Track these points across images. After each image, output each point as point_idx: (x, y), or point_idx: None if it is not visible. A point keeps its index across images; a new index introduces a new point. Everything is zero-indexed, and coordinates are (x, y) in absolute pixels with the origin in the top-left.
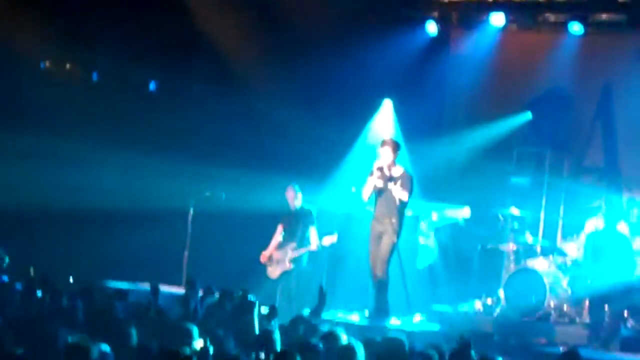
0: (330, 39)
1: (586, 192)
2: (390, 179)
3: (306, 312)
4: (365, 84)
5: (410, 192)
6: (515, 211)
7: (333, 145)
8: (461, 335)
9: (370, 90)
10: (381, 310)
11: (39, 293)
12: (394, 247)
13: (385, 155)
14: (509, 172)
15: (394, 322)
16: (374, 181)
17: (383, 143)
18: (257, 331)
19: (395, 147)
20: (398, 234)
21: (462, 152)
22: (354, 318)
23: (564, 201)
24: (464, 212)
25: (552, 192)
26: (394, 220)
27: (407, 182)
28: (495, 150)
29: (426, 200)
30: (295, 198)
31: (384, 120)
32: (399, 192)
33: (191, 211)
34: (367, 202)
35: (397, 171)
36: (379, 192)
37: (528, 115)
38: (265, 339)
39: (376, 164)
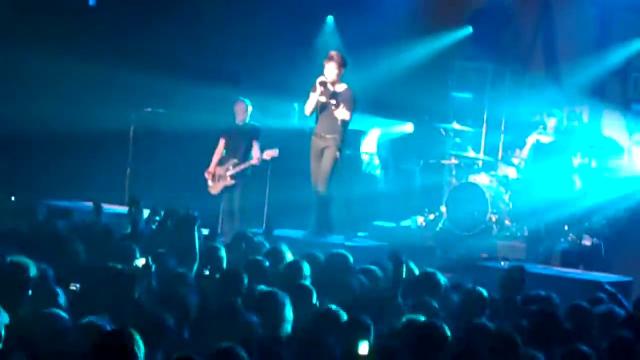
0: None
1: (528, 106)
2: (333, 94)
3: (250, 230)
4: (308, 1)
5: (353, 110)
6: (457, 126)
7: (278, 63)
8: (392, 251)
9: (312, 7)
10: (324, 226)
11: None
12: (336, 164)
13: (330, 71)
14: (451, 87)
15: (336, 238)
16: (317, 97)
17: (329, 58)
18: (198, 248)
19: (342, 62)
20: (340, 151)
21: (403, 67)
22: (297, 235)
23: (505, 116)
24: (407, 127)
25: (494, 107)
26: (336, 137)
27: (350, 100)
28: (437, 65)
29: (369, 115)
30: (244, 112)
31: (328, 38)
32: (341, 110)
33: (132, 128)
34: (310, 117)
35: (341, 87)
36: (322, 108)
37: (468, 30)
38: (210, 256)
39: (319, 79)
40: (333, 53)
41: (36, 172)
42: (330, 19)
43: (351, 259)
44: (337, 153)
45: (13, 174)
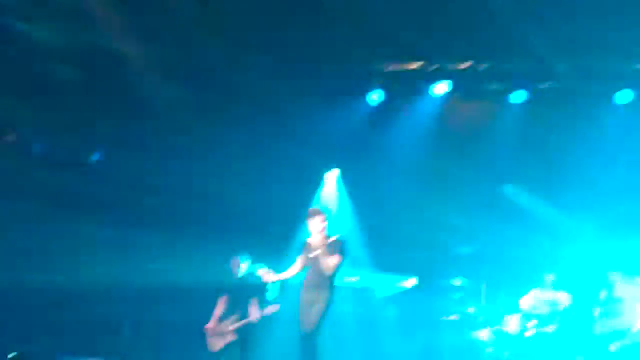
0: (275, 111)
1: (529, 262)
2: (320, 248)
3: None
4: (311, 156)
5: (342, 256)
6: (457, 282)
7: (282, 217)
8: None
9: (316, 161)
10: None
11: None
12: (324, 316)
13: (315, 227)
14: (452, 243)
15: None
16: (303, 259)
17: (310, 214)
18: None
19: (323, 216)
20: (329, 303)
21: (409, 222)
22: None
23: (508, 271)
24: (411, 282)
25: (496, 262)
26: (324, 290)
27: (337, 248)
28: (441, 222)
29: (375, 271)
30: (239, 268)
31: (331, 191)
32: (327, 261)
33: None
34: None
35: (329, 239)
36: (311, 264)
37: None
38: None
39: (309, 239)
40: (312, 210)
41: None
42: (334, 171)
43: None
44: (325, 306)
45: None
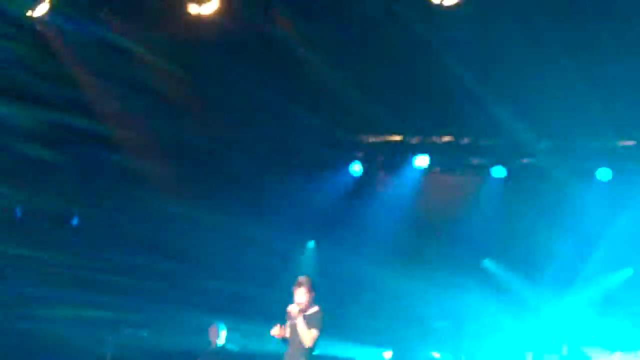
0: (255, 181)
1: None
2: (301, 318)
3: None
4: (291, 226)
5: (320, 329)
6: (436, 355)
7: (259, 286)
8: None
9: (295, 231)
10: None
11: None
12: None
13: (300, 296)
14: (431, 317)
15: None
16: (287, 327)
17: (298, 283)
18: None
19: (311, 287)
20: None
21: (385, 294)
22: None
23: (485, 346)
24: (386, 355)
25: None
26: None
27: (314, 320)
28: (417, 297)
29: (349, 342)
30: (217, 336)
31: (308, 262)
32: (306, 333)
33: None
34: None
35: (311, 310)
36: (291, 334)
37: None
38: None
39: (290, 308)
40: (302, 279)
41: None
42: (311, 243)
43: None
44: None
45: None
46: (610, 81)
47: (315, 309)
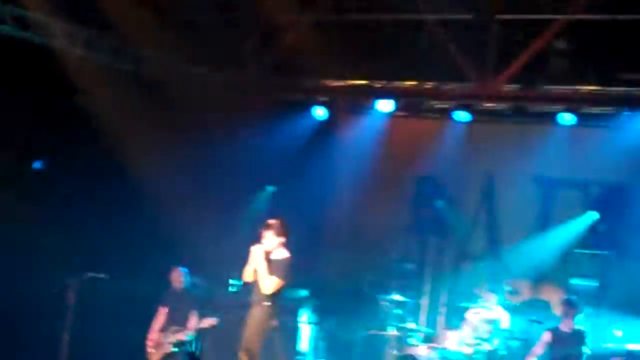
0: (215, 123)
1: (469, 279)
2: (268, 262)
3: None
4: (252, 170)
5: (286, 277)
6: (397, 297)
7: (218, 230)
8: None
9: (257, 175)
10: None
11: None
12: (265, 333)
13: (267, 239)
14: (393, 258)
15: None
16: (253, 265)
17: (267, 226)
18: None
19: (280, 231)
20: (271, 318)
21: (344, 239)
22: None
23: (447, 288)
24: None
25: (436, 279)
26: (267, 305)
27: (283, 267)
28: (380, 237)
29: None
30: (180, 280)
31: (267, 206)
32: (264, 278)
33: (71, 294)
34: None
35: (277, 256)
36: (254, 275)
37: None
38: None
39: (256, 247)
40: (271, 221)
41: None
42: (270, 188)
43: None
44: (267, 323)
45: None
46: None
47: (283, 254)
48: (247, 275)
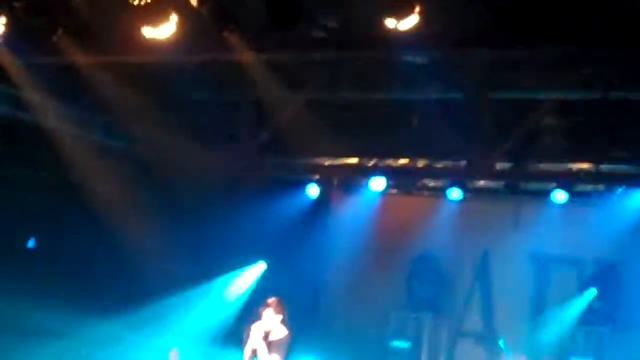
0: (209, 201)
1: (465, 357)
2: (267, 342)
3: None
4: (244, 247)
5: (285, 356)
6: None
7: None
8: None
9: (251, 252)
10: None
11: None
12: None
13: (267, 317)
14: (389, 336)
15: None
16: (251, 344)
17: (266, 304)
18: None
19: (279, 308)
20: None
21: (339, 317)
22: None
23: None
24: None
25: (432, 357)
26: None
27: (280, 347)
28: (374, 315)
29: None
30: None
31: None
32: (272, 356)
33: None
34: None
35: (277, 335)
36: (255, 355)
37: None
38: None
39: (255, 326)
40: (270, 300)
41: None
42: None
43: None
44: None
45: None
46: None
47: (282, 332)
48: (247, 355)
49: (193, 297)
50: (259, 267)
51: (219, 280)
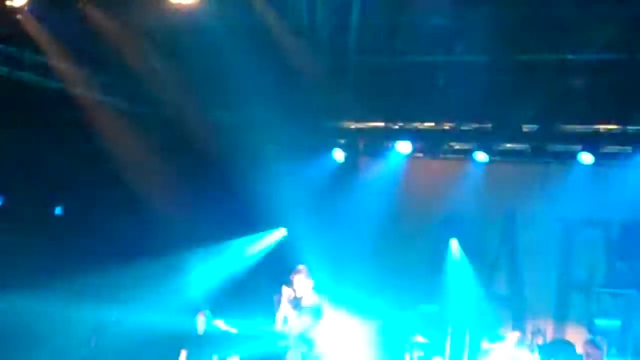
0: (234, 165)
1: (492, 319)
2: (298, 308)
3: None
4: (272, 211)
5: (317, 321)
6: (420, 339)
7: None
8: None
9: (275, 218)
10: None
11: None
12: None
13: (298, 283)
14: (418, 300)
15: None
16: (284, 309)
17: (297, 271)
18: None
19: (309, 275)
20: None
21: (371, 277)
22: None
23: (470, 328)
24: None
25: (459, 319)
26: (302, 350)
27: (312, 312)
28: (403, 278)
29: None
30: (204, 323)
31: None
32: (296, 321)
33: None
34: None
35: (308, 299)
36: (287, 321)
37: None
38: None
39: (286, 292)
40: (300, 266)
41: None
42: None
43: None
44: None
45: None
46: None
47: (314, 298)
48: (280, 322)
49: (210, 257)
50: (279, 233)
51: (240, 241)
